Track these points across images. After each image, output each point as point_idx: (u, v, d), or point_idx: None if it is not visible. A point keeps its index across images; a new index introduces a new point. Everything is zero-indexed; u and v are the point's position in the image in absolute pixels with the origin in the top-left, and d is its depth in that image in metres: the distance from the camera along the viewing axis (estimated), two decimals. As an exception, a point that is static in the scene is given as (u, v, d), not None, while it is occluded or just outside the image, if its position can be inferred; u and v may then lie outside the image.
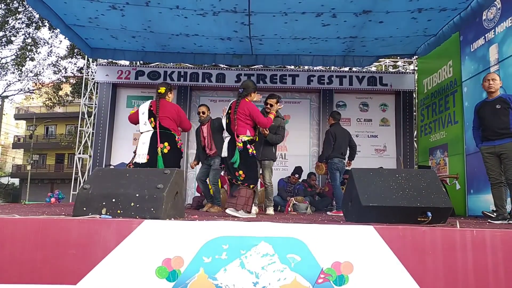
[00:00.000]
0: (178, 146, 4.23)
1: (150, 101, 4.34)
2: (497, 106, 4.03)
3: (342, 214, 3.96)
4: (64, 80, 16.12)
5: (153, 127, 4.13)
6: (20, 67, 15.66)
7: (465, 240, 2.30)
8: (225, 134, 4.22)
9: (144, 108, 4.24)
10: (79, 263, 2.23)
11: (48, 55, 15.98)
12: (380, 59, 8.86)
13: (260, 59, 8.12)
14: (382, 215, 2.85)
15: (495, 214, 4.01)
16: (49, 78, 18.25)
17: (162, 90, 4.29)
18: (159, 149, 4.02)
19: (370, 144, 8.89)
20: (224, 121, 4.21)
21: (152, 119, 4.13)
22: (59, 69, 15.74)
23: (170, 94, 4.40)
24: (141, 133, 4.22)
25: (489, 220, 3.94)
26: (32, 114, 29.97)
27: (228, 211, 3.78)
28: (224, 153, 4.09)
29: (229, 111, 4.09)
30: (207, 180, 5.75)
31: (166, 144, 4.07)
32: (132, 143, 8.90)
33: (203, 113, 5.78)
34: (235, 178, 3.96)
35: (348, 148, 6.09)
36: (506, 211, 3.96)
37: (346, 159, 6.12)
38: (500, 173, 4.01)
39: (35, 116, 28.40)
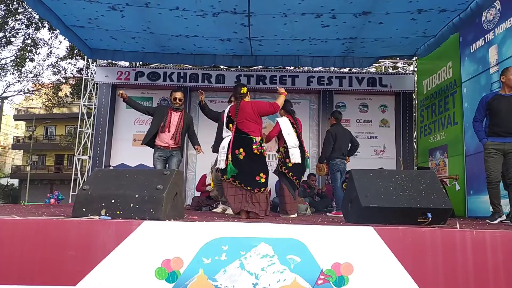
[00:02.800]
0: (255, 151, 3.87)
1: (229, 106, 4.21)
2: None
3: (342, 215, 3.96)
4: (64, 81, 16.11)
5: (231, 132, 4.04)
6: (20, 68, 15.66)
7: (465, 241, 2.29)
8: (292, 144, 4.79)
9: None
10: (78, 264, 2.22)
11: (47, 56, 16.03)
12: (379, 60, 8.88)
13: (259, 60, 8.13)
14: (382, 216, 2.85)
15: (495, 216, 3.90)
16: (48, 79, 18.27)
17: (244, 90, 4.09)
18: (230, 156, 3.84)
19: (369, 145, 8.89)
20: (294, 134, 4.85)
21: (231, 124, 4.00)
22: (59, 70, 15.74)
23: (248, 93, 4.23)
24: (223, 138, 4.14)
25: (487, 221, 3.90)
26: (31, 115, 29.98)
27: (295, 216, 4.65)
28: (299, 160, 4.73)
29: (294, 126, 4.92)
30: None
31: (241, 150, 3.85)
32: (132, 144, 8.91)
33: (180, 100, 5.07)
34: (300, 181, 4.89)
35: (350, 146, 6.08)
36: (502, 209, 3.89)
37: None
38: (500, 172, 3.88)
39: (34, 117, 28.41)
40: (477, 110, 4.11)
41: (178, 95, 5.03)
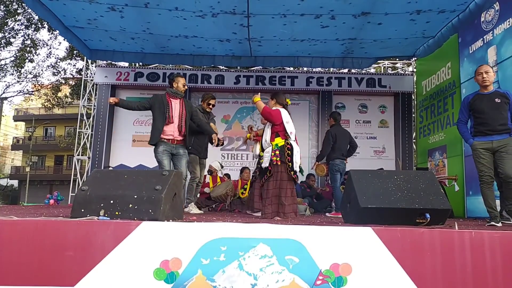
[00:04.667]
0: None
1: (284, 109, 4.36)
2: (497, 100, 3.78)
3: (341, 216, 3.96)
4: (63, 81, 16.12)
5: (295, 138, 4.34)
6: (19, 69, 15.66)
7: (464, 242, 2.29)
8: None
9: (287, 117, 4.33)
10: (77, 265, 2.22)
11: (47, 57, 16.00)
12: (379, 61, 8.89)
13: (259, 60, 8.14)
14: (380, 216, 2.85)
15: (497, 219, 3.69)
16: (48, 80, 18.24)
17: (289, 102, 4.46)
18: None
19: (369, 146, 8.90)
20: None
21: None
22: (58, 70, 15.75)
23: None
24: (291, 141, 4.26)
25: (492, 223, 3.67)
26: (31, 115, 29.94)
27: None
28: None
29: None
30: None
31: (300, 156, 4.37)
32: (131, 145, 8.91)
33: (184, 86, 4.60)
34: None
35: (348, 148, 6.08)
36: (498, 211, 3.76)
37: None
38: (493, 172, 3.77)
39: (34, 117, 28.38)
40: (460, 112, 4.07)
41: (184, 81, 4.59)
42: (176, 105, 4.50)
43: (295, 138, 4.34)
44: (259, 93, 4.60)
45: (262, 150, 4.42)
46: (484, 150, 3.78)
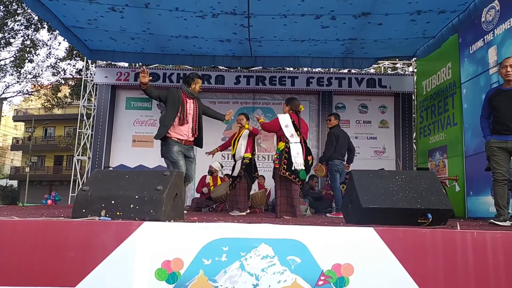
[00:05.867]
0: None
1: (287, 114, 4.65)
2: None
3: (342, 216, 3.95)
4: (63, 82, 16.12)
5: (299, 140, 4.53)
6: (19, 69, 15.66)
7: (466, 242, 2.29)
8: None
9: (287, 121, 4.56)
10: (78, 265, 2.21)
11: (47, 57, 16.00)
12: (379, 61, 8.88)
13: (259, 61, 8.14)
14: (382, 216, 2.84)
15: (500, 218, 3.60)
16: (48, 80, 18.24)
17: (302, 108, 4.76)
18: (304, 161, 4.46)
19: (369, 146, 8.90)
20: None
21: (298, 132, 4.54)
22: (58, 71, 15.74)
23: None
24: (290, 143, 4.49)
25: (495, 222, 3.56)
26: (30, 116, 29.94)
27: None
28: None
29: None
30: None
31: (309, 157, 4.57)
32: (131, 145, 8.90)
33: (200, 88, 4.60)
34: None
35: (346, 151, 6.08)
36: (508, 212, 3.68)
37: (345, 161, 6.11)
38: (506, 170, 3.65)
39: (33, 118, 28.37)
40: (482, 107, 3.95)
41: (201, 83, 4.60)
42: (190, 105, 4.44)
43: (301, 139, 4.54)
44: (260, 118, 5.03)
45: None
46: (498, 148, 3.65)
